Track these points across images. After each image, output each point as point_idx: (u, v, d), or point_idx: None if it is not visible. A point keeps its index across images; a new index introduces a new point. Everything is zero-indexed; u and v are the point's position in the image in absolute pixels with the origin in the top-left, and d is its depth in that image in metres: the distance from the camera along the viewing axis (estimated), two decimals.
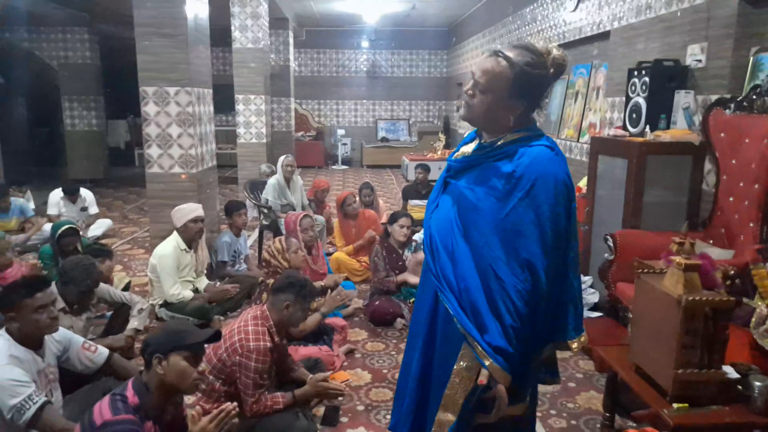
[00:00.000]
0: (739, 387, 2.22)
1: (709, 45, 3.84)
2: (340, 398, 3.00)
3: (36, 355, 2.41)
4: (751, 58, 3.52)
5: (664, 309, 2.21)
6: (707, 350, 2.16)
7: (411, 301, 4.17)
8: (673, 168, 3.75)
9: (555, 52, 1.63)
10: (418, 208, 6.70)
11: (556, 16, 6.87)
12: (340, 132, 14.60)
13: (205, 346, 2.18)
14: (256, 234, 6.49)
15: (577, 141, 6.18)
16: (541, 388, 2.62)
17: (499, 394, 1.62)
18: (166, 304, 4.14)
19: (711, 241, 3.44)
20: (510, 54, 1.62)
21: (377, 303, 4.30)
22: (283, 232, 4.54)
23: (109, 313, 3.75)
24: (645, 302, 2.41)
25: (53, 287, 2.87)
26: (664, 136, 3.78)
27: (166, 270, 4.13)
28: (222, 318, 4.27)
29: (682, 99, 3.96)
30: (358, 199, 5.87)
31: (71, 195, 6.48)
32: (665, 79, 4.01)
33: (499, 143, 1.70)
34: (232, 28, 8.90)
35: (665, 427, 2.11)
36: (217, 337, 2.22)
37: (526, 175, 1.61)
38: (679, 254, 2.25)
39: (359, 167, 14.32)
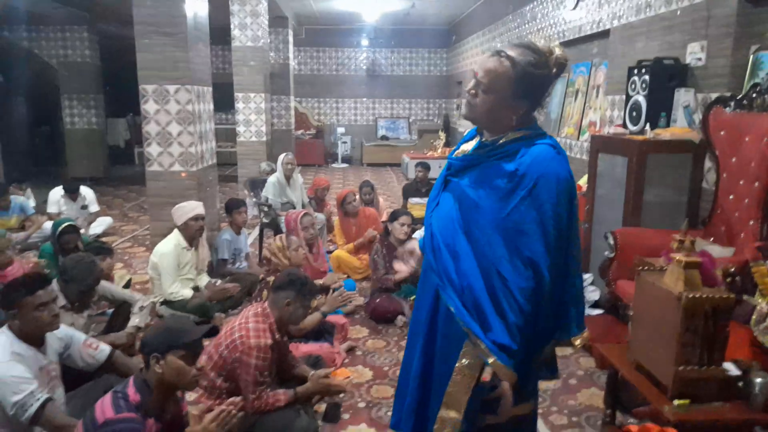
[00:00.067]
0: (740, 384, 2.22)
1: (709, 43, 3.84)
2: (342, 395, 3.01)
3: (38, 352, 2.42)
4: (751, 57, 3.53)
5: (665, 306, 2.22)
6: (708, 347, 2.16)
7: (411, 298, 4.17)
8: (673, 166, 3.76)
9: (557, 51, 1.63)
10: (418, 206, 6.70)
11: (556, 14, 6.88)
12: (340, 130, 14.60)
13: (206, 343, 2.19)
14: (256, 232, 6.49)
15: (577, 139, 6.19)
16: (541, 385, 2.63)
17: (504, 392, 1.62)
18: (167, 302, 4.15)
19: (711, 239, 3.45)
20: (512, 54, 1.62)
21: (378, 300, 4.31)
22: (284, 230, 4.55)
23: (110, 311, 3.75)
24: (645, 300, 2.42)
25: (54, 285, 2.88)
26: (664, 134, 3.78)
27: (166, 268, 4.14)
28: (223, 315, 4.27)
29: (682, 97, 3.96)
30: (358, 197, 5.88)
31: (71, 193, 6.48)
32: (665, 78, 4.02)
33: (500, 142, 1.70)
34: (232, 26, 8.90)
35: (666, 424, 2.11)
36: (212, 332, 2.23)
37: (529, 173, 1.61)
38: (679, 252, 2.24)
39: (359, 165, 14.32)
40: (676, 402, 2.17)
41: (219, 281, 4.60)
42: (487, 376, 1.62)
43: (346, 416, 3.00)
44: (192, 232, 4.29)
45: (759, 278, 2.50)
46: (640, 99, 4.09)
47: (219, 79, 8.73)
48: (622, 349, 2.63)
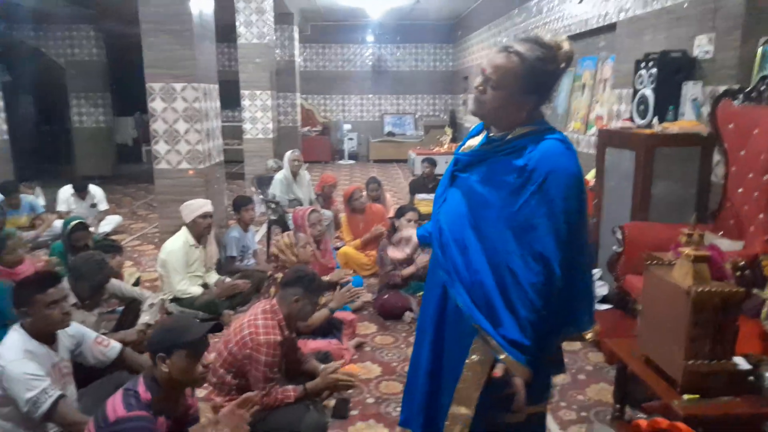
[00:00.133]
0: (750, 378, 2.21)
1: (716, 36, 3.81)
2: (351, 391, 3.02)
3: (50, 350, 2.44)
4: (760, 49, 3.49)
5: (674, 301, 2.21)
6: (717, 341, 2.15)
7: (419, 294, 4.17)
8: (681, 160, 3.73)
9: (565, 45, 1.62)
10: (425, 202, 6.70)
11: (562, 8, 6.84)
12: (347, 127, 14.59)
13: (215, 340, 2.20)
14: (264, 229, 6.51)
15: (584, 133, 6.16)
16: None
17: (517, 388, 1.60)
18: (177, 299, 4.17)
19: (720, 233, 3.43)
20: (521, 49, 1.61)
21: (385, 297, 4.32)
22: (291, 227, 4.56)
23: (120, 308, 3.78)
24: (654, 294, 2.41)
25: (65, 283, 2.90)
26: (672, 127, 3.76)
27: (175, 265, 4.16)
28: (232, 312, 4.29)
29: (690, 90, 3.93)
30: (365, 193, 5.87)
31: (80, 191, 6.52)
32: (673, 71, 3.99)
33: (508, 137, 1.69)
34: (237, 23, 8.91)
35: (675, 419, 2.11)
36: (216, 328, 2.24)
37: (538, 168, 1.61)
38: (688, 246, 2.24)
39: (366, 162, 14.32)
40: (685, 396, 2.17)
41: (227, 278, 4.63)
42: (498, 371, 1.61)
43: (354, 412, 3.02)
44: (200, 230, 4.30)
45: None
46: (648, 92, 4.06)
47: (225, 76, 8.77)
48: (631, 344, 2.62)
